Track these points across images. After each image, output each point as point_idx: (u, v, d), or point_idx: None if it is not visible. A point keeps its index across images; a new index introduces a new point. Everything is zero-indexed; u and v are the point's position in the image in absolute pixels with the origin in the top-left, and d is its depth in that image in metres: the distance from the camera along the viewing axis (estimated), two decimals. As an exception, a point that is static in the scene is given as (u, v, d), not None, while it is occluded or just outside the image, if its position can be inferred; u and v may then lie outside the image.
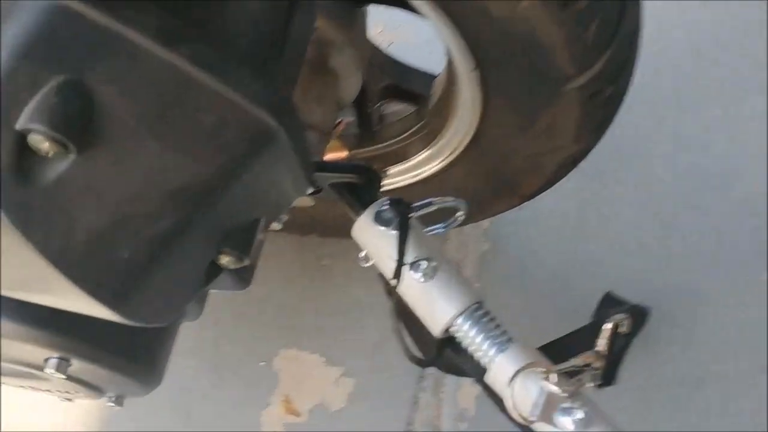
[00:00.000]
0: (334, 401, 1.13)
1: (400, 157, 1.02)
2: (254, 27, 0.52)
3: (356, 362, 1.14)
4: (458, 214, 0.76)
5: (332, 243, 1.21)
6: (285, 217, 0.93)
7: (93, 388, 0.79)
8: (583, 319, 0.96)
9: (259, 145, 0.51)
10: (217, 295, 1.20)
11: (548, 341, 0.98)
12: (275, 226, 0.93)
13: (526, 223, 1.19)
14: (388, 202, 0.73)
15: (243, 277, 0.77)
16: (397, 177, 1.03)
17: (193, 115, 0.48)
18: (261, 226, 0.57)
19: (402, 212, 0.71)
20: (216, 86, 0.47)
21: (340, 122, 0.96)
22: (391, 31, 1.44)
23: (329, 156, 0.99)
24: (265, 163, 0.52)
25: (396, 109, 1.07)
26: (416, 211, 0.72)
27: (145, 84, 0.46)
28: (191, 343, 1.17)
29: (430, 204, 0.73)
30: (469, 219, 1.09)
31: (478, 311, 0.71)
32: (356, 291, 1.18)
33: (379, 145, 1.04)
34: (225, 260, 0.56)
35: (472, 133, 0.89)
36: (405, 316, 0.76)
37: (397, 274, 0.68)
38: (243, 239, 0.55)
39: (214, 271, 0.57)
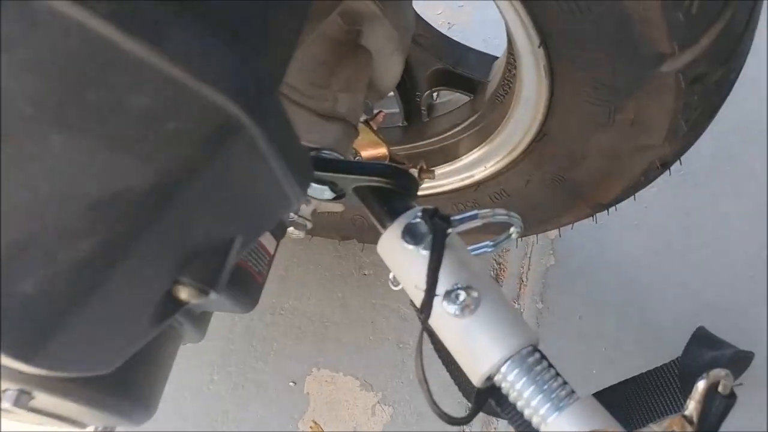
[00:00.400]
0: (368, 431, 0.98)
1: (450, 155, 0.87)
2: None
3: (396, 389, 0.99)
4: (511, 230, 0.60)
5: (374, 250, 1.06)
6: (309, 225, 0.79)
7: (70, 422, 0.67)
8: (663, 353, 0.78)
9: (219, 142, 0.36)
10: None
11: (620, 380, 0.81)
12: (297, 234, 0.79)
13: (600, 235, 1.01)
14: (421, 213, 0.58)
15: (242, 299, 0.64)
16: (445, 179, 0.88)
17: (121, 99, 0.34)
18: (235, 248, 0.42)
19: (437, 228, 0.55)
20: (150, 58, 0.33)
21: (378, 113, 0.81)
22: (452, 11, 1.28)
23: (367, 153, 0.85)
24: (231, 166, 0.38)
25: (450, 98, 0.92)
26: (456, 225, 0.57)
27: (46, 55, 0.32)
28: (216, 356, 1.06)
29: (475, 218, 0.57)
30: (532, 229, 0.92)
31: (531, 357, 0.55)
32: (401, 307, 1.03)
33: (427, 141, 0.89)
34: (184, 293, 0.42)
35: (536, 127, 0.72)
36: (443, 354, 0.60)
37: (426, 308, 0.52)
38: (208, 266, 0.41)
39: (171, 305, 0.43)
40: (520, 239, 1.04)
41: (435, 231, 0.55)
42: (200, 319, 0.69)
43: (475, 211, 0.57)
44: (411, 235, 0.58)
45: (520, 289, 1.01)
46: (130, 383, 0.64)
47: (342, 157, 0.65)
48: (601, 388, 0.82)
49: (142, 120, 0.34)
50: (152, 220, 0.37)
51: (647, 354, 0.95)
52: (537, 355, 0.55)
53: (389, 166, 0.63)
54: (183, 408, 1.03)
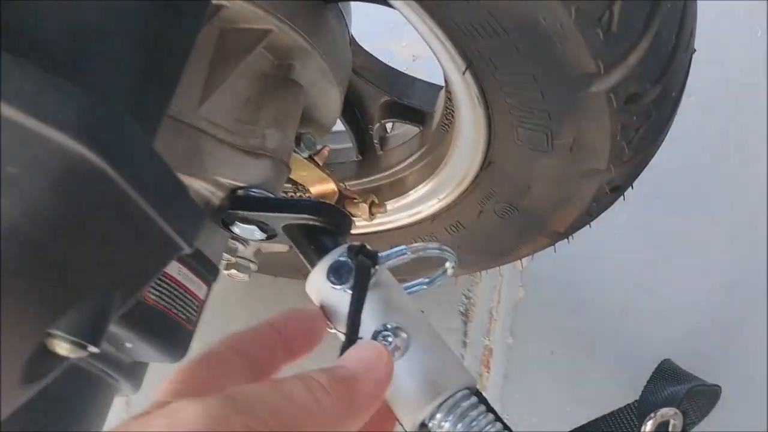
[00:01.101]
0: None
1: (402, 188, 0.84)
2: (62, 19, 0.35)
3: None
4: (446, 265, 0.57)
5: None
6: (253, 266, 0.76)
7: None
8: (639, 388, 0.74)
9: (69, 187, 0.34)
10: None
11: (585, 422, 0.77)
12: (241, 277, 0.77)
13: (570, 266, 0.97)
14: (347, 250, 0.55)
15: (168, 348, 0.61)
16: (399, 213, 0.85)
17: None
18: (116, 298, 0.39)
19: (361, 265, 0.52)
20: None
21: (323, 148, 0.79)
22: (417, 43, 1.27)
23: (315, 189, 0.82)
24: (91, 213, 0.35)
25: (402, 130, 0.90)
26: (383, 262, 0.53)
27: None
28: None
29: (403, 253, 0.54)
30: (493, 262, 0.89)
31: (466, 401, 0.51)
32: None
33: (381, 174, 0.87)
34: (60, 347, 0.39)
35: (480, 156, 0.70)
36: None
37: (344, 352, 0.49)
38: (84, 318, 0.38)
39: (49, 361, 0.40)
40: (487, 272, 1.01)
41: (358, 268, 0.52)
42: (133, 370, 0.65)
43: (402, 246, 0.54)
44: (336, 274, 0.54)
45: (489, 323, 0.98)
46: None
47: (271, 195, 0.63)
48: (574, 427, 0.78)
49: (-22, 165, 0.32)
50: (2, 270, 0.34)
51: (623, 389, 0.90)
52: (473, 399, 0.52)
53: (318, 202, 0.60)
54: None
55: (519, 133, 0.63)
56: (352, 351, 0.41)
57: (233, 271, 0.74)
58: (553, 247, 0.81)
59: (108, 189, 0.35)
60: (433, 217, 0.82)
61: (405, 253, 0.55)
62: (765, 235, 0.96)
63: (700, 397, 0.65)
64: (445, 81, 0.68)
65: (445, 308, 0.98)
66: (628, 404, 0.65)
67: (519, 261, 0.94)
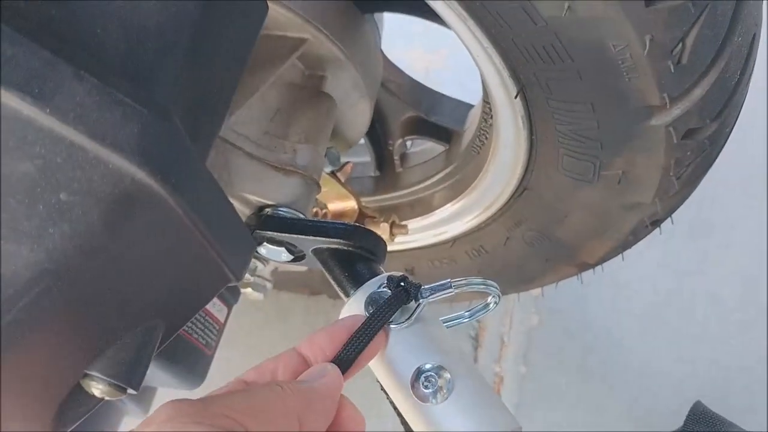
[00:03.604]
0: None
1: (424, 208, 0.81)
2: (125, 31, 0.31)
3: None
4: (489, 300, 0.54)
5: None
6: (269, 285, 0.72)
7: None
8: (654, 422, 0.72)
9: (124, 215, 0.30)
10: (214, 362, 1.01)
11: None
12: (256, 296, 0.73)
13: (587, 293, 0.94)
14: (387, 281, 0.51)
15: (186, 376, 0.57)
16: (418, 234, 0.81)
17: (3, 167, 0.28)
18: (155, 338, 0.36)
19: (397, 297, 0.49)
20: (35, 116, 0.27)
21: (346, 164, 0.75)
22: (429, 54, 1.24)
23: (335, 206, 0.79)
24: (143, 242, 0.31)
25: (424, 147, 0.86)
26: (427, 296, 0.50)
27: None
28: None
29: (448, 287, 0.50)
30: (513, 288, 0.86)
31: (511, 448, 0.48)
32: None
33: (400, 192, 0.83)
34: (96, 388, 0.35)
35: (515, 181, 0.67)
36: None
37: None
38: (123, 359, 0.34)
39: (84, 401, 0.36)
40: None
41: (392, 296, 0.49)
42: (142, 395, 0.61)
43: (447, 280, 0.51)
44: (376, 306, 0.51)
45: (501, 349, 0.95)
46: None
47: (301, 215, 0.59)
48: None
49: (28, 191, 0.28)
50: (45, 307, 0.30)
51: (638, 420, 0.88)
52: (517, 446, 0.49)
53: (352, 226, 0.56)
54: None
55: (564, 161, 0.60)
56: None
57: (249, 290, 0.70)
58: (578, 276, 0.78)
59: (165, 217, 0.31)
60: (454, 240, 0.79)
61: (449, 288, 0.51)
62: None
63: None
64: (486, 102, 0.65)
65: (454, 331, 0.94)
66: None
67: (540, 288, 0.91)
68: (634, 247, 0.77)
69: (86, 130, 0.28)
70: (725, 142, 0.60)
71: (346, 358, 0.44)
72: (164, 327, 0.36)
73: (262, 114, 0.60)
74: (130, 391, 0.35)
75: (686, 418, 0.66)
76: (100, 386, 0.35)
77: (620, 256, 0.73)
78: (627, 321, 0.93)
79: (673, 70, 0.47)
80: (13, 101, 0.26)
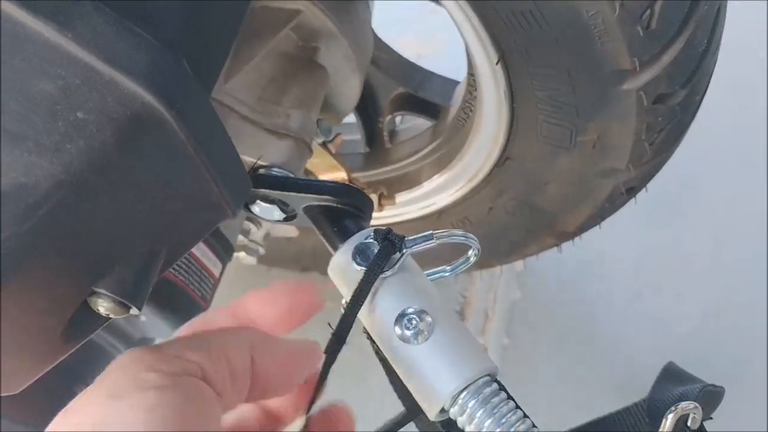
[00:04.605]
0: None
1: (412, 182, 0.84)
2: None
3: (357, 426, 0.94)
4: (469, 253, 0.57)
5: (336, 283, 1.02)
6: (261, 250, 0.76)
7: None
8: (635, 390, 0.75)
9: (133, 135, 0.33)
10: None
11: (587, 421, 0.77)
12: (249, 260, 0.76)
13: (568, 268, 0.98)
14: (374, 233, 0.54)
15: (181, 324, 0.60)
16: (407, 207, 0.85)
17: (26, 85, 0.31)
18: (159, 260, 0.39)
19: (384, 246, 0.52)
20: (57, 39, 0.30)
21: (337, 135, 0.78)
22: (421, 41, 1.27)
23: (325, 177, 0.82)
24: (150, 164, 0.35)
25: (412, 124, 0.90)
26: (410, 246, 0.53)
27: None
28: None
29: (430, 238, 0.53)
30: (496, 260, 0.90)
31: (488, 387, 0.51)
32: (362, 341, 0.99)
33: (389, 167, 0.86)
34: (102, 306, 0.38)
35: (497, 151, 0.70)
36: (399, 387, 0.57)
37: (341, 333, 0.49)
38: (128, 277, 0.37)
39: (91, 319, 0.39)
40: (484, 272, 1.01)
41: (381, 248, 0.52)
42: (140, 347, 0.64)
43: (430, 232, 0.54)
44: (362, 256, 0.54)
45: (485, 323, 0.98)
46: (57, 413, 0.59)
47: (293, 175, 0.62)
48: (571, 428, 0.79)
49: (49, 108, 0.31)
50: (60, 219, 0.33)
51: (619, 392, 0.91)
52: (495, 386, 0.52)
53: (342, 184, 0.59)
54: None
55: (543, 128, 0.63)
56: None
57: (242, 254, 0.73)
58: (557, 247, 0.82)
59: (169, 142, 0.34)
60: (440, 212, 0.82)
61: (431, 239, 0.55)
62: (764, 243, 0.98)
63: (709, 398, 0.65)
64: (470, 73, 0.68)
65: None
66: (635, 403, 0.66)
67: (522, 261, 0.94)
68: (617, 223, 0.80)
69: (102, 55, 0.31)
70: (696, 110, 0.63)
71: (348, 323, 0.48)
72: (165, 254, 0.39)
73: (258, 81, 0.63)
74: (133, 310, 0.38)
75: (659, 374, 0.70)
76: (106, 303, 0.38)
77: (599, 227, 0.77)
78: (607, 295, 0.97)
79: (642, 35, 0.51)
80: (40, 26, 0.30)
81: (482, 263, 0.92)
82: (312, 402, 0.47)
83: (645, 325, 0.95)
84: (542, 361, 0.93)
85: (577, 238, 0.80)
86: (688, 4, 0.51)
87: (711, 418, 0.70)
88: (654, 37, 0.52)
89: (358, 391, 0.95)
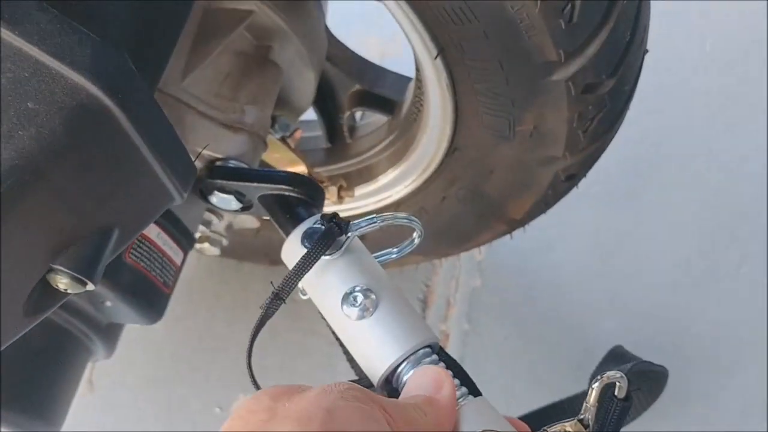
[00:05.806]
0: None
1: (370, 175, 0.88)
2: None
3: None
4: (414, 235, 0.61)
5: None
6: (224, 241, 0.79)
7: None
8: (587, 375, 0.79)
9: (80, 124, 0.36)
10: (175, 327, 1.07)
11: (545, 404, 0.81)
12: (212, 251, 0.79)
13: (527, 255, 1.02)
14: (321, 218, 0.58)
15: (145, 309, 0.64)
16: (366, 199, 0.89)
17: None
18: (112, 239, 0.42)
19: (328, 229, 0.56)
20: (7, 37, 0.34)
21: (296, 130, 0.82)
22: (385, 41, 1.31)
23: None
24: (98, 151, 0.38)
25: (372, 119, 0.93)
26: (355, 229, 0.57)
27: None
28: (141, 381, 1.03)
29: (374, 221, 0.57)
30: (454, 249, 0.94)
31: (427, 357, 0.55)
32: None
33: (349, 162, 0.90)
34: (61, 282, 0.41)
35: (446, 142, 0.74)
36: (353, 363, 0.60)
37: (284, 292, 0.53)
38: (83, 254, 0.41)
39: (49, 295, 0.42)
40: (445, 261, 1.05)
41: (326, 229, 0.56)
42: (108, 333, 0.67)
43: (373, 216, 0.58)
44: (310, 240, 0.58)
45: (447, 310, 1.02)
46: (27, 396, 0.62)
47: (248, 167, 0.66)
48: (528, 411, 0.82)
49: (2, 99, 0.35)
50: (15, 200, 0.37)
51: (574, 374, 0.95)
52: (434, 356, 0.56)
53: (293, 174, 0.63)
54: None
55: (484, 119, 0.67)
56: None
57: (206, 245, 0.76)
58: (510, 235, 0.86)
59: (114, 130, 0.37)
60: (398, 204, 0.86)
61: (375, 222, 0.59)
62: (714, 224, 1.03)
63: (646, 375, 0.69)
64: (417, 69, 0.72)
65: (405, 295, 1.02)
66: (584, 390, 0.70)
67: (478, 250, 0.98)
68: (572, 209, 0.84)
69: (48, 50, 0.34)
70: (626, 101, 0.68)
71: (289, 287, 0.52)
72: (118, 233, 0.43)
73: (214, 78, 0.67)
74: (89, 286, 0.42)
75: (604, 356, 0.74)
76: (64, 279, 0.41)
77: (544, 212, 0.81)
78: (565, 280, 1.01)
79: (564, 27, 0.55)
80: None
81: (441, 252, 0.96)
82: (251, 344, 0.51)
83: (601, 308, 0.99)
84: (500, 344, 0.97)
85: (528, 226, 0.84)
86: (606, 1, 0.56)
87: (639, 389, 0.74)
88: (577, 29, 0.56)
89: (324, 374, 0.99)
